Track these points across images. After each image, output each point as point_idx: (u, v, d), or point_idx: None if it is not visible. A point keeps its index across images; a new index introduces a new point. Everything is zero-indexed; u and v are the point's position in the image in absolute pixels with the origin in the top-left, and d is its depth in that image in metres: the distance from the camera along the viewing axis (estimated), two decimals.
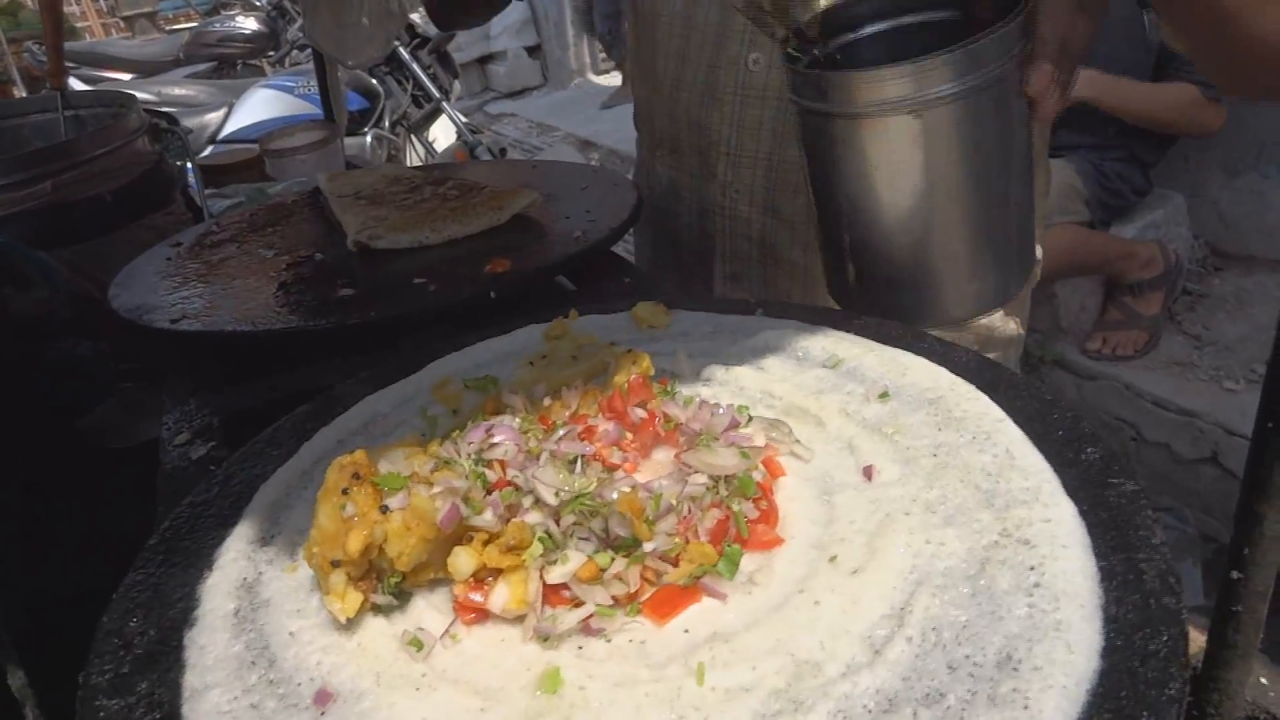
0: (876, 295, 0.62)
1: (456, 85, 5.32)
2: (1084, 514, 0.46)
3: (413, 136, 5.25)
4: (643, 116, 1.09)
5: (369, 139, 4.69)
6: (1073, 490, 0.47)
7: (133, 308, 0.86)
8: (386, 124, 5.02)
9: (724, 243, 1.00)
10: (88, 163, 1.44)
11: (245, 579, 0.49)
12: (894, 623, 0.41)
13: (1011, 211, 0.59)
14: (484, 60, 7.56)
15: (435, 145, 5.24)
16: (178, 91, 5.29)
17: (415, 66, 4.89)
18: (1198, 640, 0.52)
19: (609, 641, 0.42)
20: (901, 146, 0.54)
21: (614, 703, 0.39)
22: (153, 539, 0.53)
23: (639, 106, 1.10)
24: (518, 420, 0.53)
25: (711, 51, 0.94)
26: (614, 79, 7.15)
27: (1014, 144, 0.57)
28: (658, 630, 0.43)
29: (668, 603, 0.43)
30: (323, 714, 0.40)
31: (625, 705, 0.39)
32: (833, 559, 0.45)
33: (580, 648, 0.42)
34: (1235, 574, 0.53)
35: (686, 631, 0.42)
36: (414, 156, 5.22)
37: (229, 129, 4.50)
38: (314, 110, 4.62)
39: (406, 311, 0.78)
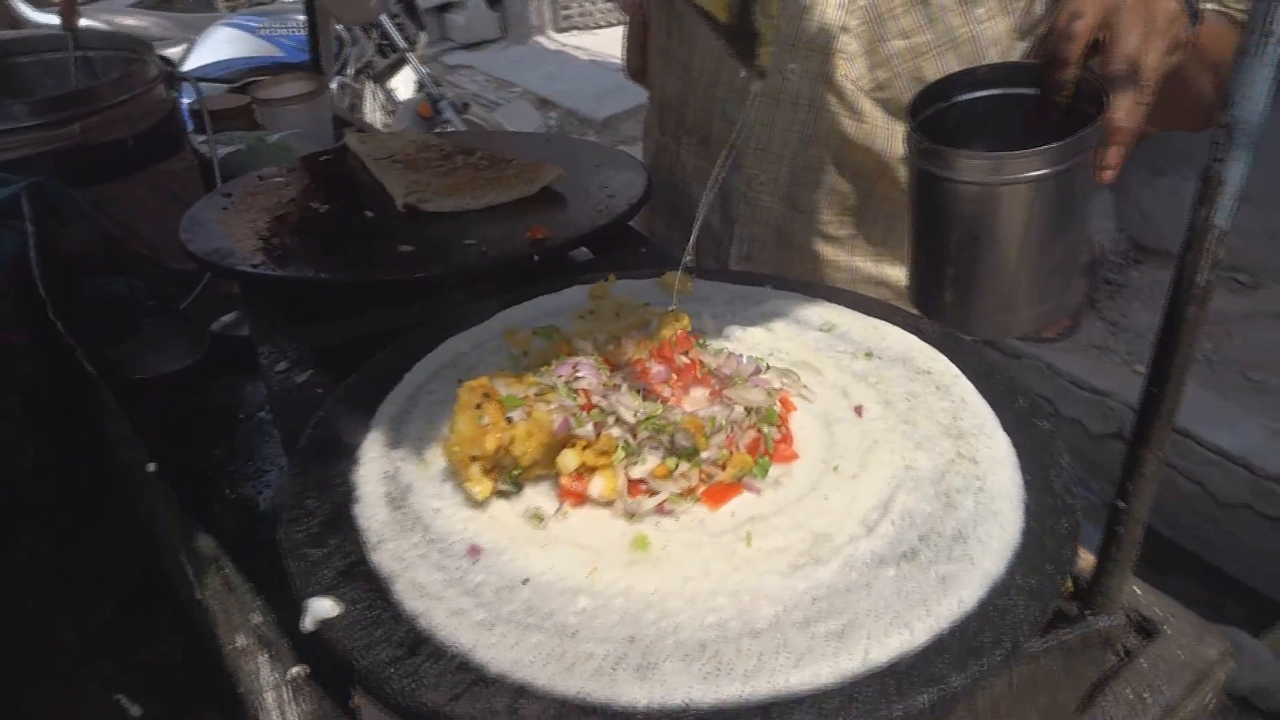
0: (965, 314, 0.79)
1: (422, 37, 5.31)
2: (1015, 443, 0.63)
3: (375, 85, 5.24)
4: (671, 107, 1.22)
5: (334, 86, 4.67)
6: (1008, 427, 0.65)
7: (210, 250, 0.97)
8: (350, 71, 5.00)
9: (743, 227, 1.15)
10: (113, 108, 1.52)
11: (387, 472, 0.63)
12: (880, 511, 0.58)
13: (1075, 252, 0.78)
14: (443, 8, 7.46)
15: (396, 95, 5.24)
16: (128, 21, 5.16)
17: (382, 15, 4.87)
18: (1089, 560, 0.71)
19: (677, 520, 0.58)
20: (1000, 208, 0.73)
21: (688, 556, 0.55)
22: (302, 441, 0.67)
23: (666, 97, 1.23)
24: (592, 360, 0.69)
25: None
26: (574, 38, 7.17)
27: (1083, 204, 0.75)
28: (712, 513, 0.59)
29: (719, 494, 0.60)
30: (475, 562, 0.55)
31: (697, 558, 0.55)
32: (835, 469, 0.62)
33: (657, 523, 0.58)
34: (1120, 503, 0.72)
35: (733, 514, 0.59)
36: (374, 106, 5.21)
37: (188, 67, 4.44)
38: (277, 54, 4.58)
39: (465, 268, 0.92)
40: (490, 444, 0.59)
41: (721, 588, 0.53)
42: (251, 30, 4.64)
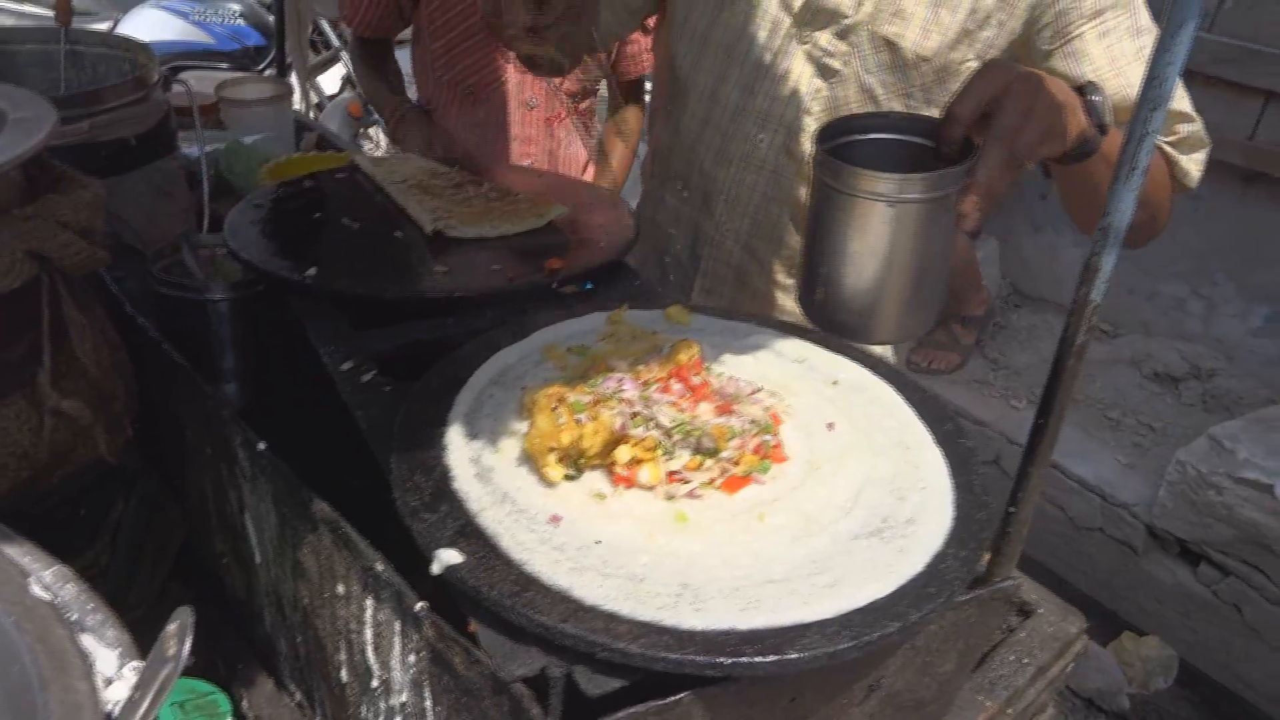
0: (834, 314, 0.95)
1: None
2: (946, 455, 0.85)
3: (304, 81, 5.22)
4: (661, 157, 1.43)
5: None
6: (940, 443, 0.87)
7: (266, 260, 1.10)
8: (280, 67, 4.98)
9: (707, 265, 1.36)
10: (120, 108, 1.61)
11: (471, 457, 0.80)
12: (853, 501, 0.78)
13: (936, 273, 0.95)
14: None
15: (323, 91, 5.24)
16: None
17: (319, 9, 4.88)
18: (985, 556, 0.92)
19: (704, 502, 0.77)
20: (876, 222, 0.88)
21: (717, 529, 0.74)
22: (395, 430, 0.82)
23: (659, 146, 1.44)
24: (629, 376, 0.87)
25: (729, 124, 1.29)
26: None
27: (944, 234, 0.92)
28: (730, 498, 0.78)
29: (735, 484, 0.79)
30: (557, 527, 0.73)
31: (725, 529, 0.74)
32: (816, 470, 0.82)
33: (690, 504, 0.77)
34: (1011, 509, 0.94)
35: (745, 500, 0.78)
36: (304, 103, 5.20)
37: None
38: (208, 40, 4.55)
39: (497, 291, 1.08)
40: (566, 438, 0.76)
41: (745, 551, 0.72)
42: (183, 15, 4.58)
